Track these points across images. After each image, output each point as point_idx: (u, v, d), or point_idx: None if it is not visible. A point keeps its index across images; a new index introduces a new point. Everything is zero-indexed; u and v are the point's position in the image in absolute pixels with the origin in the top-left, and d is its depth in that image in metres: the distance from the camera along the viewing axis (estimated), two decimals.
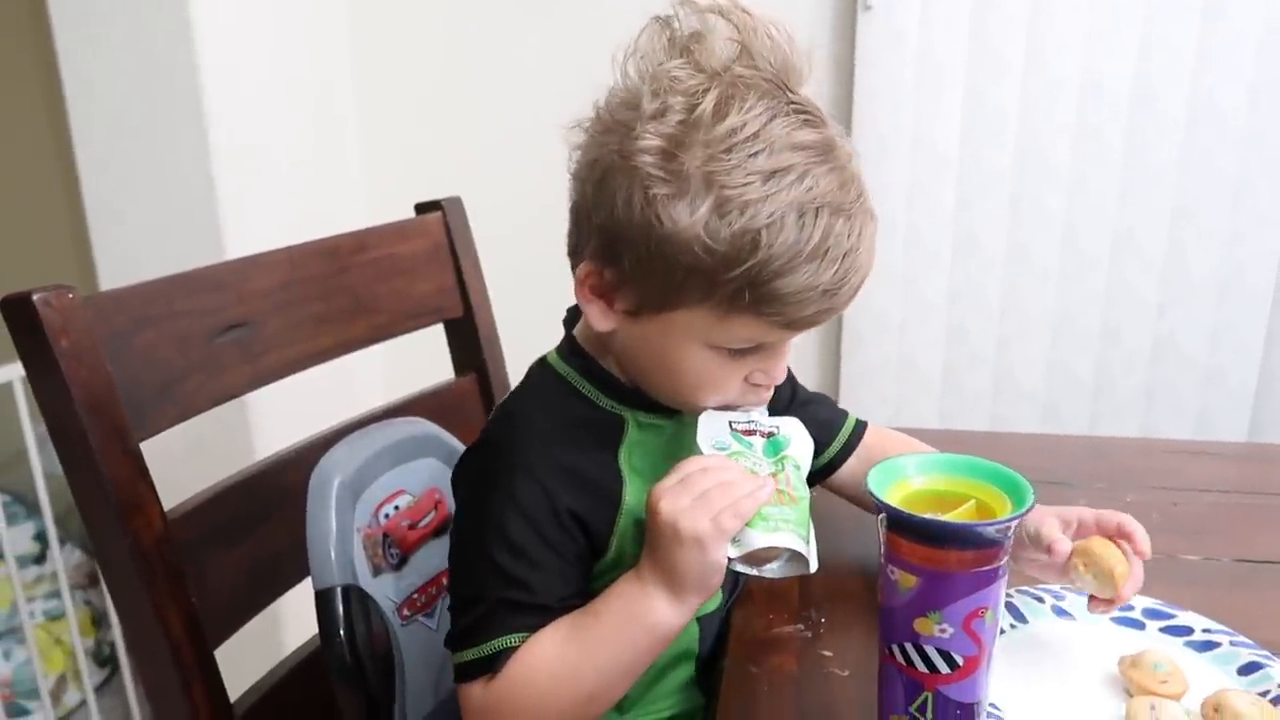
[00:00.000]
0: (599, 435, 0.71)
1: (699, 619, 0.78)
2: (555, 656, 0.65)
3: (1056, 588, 0.81)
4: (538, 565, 0.67)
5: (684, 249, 0.60)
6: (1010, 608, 0.78)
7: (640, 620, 0.64)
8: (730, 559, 0.63)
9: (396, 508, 0.85)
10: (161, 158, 1.41)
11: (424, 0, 1.76)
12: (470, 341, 1.12)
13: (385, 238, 1.03)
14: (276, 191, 1.54)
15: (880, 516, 0.59)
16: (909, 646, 0.59)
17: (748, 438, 0.68)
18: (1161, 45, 1.64)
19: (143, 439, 0.75)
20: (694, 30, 0.63)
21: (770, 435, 0.69)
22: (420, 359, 1.17)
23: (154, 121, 1.39)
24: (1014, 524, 0.57)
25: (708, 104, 0.61)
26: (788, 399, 0.84)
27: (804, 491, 0.66)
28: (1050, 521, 0.75)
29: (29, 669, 1.70)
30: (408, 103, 1.81)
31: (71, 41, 1.37)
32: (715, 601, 0.79)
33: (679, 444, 0.72)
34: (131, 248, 1.45)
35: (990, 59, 1.66)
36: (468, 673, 0.67)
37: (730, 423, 0.68)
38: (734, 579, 0.84)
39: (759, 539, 0.62)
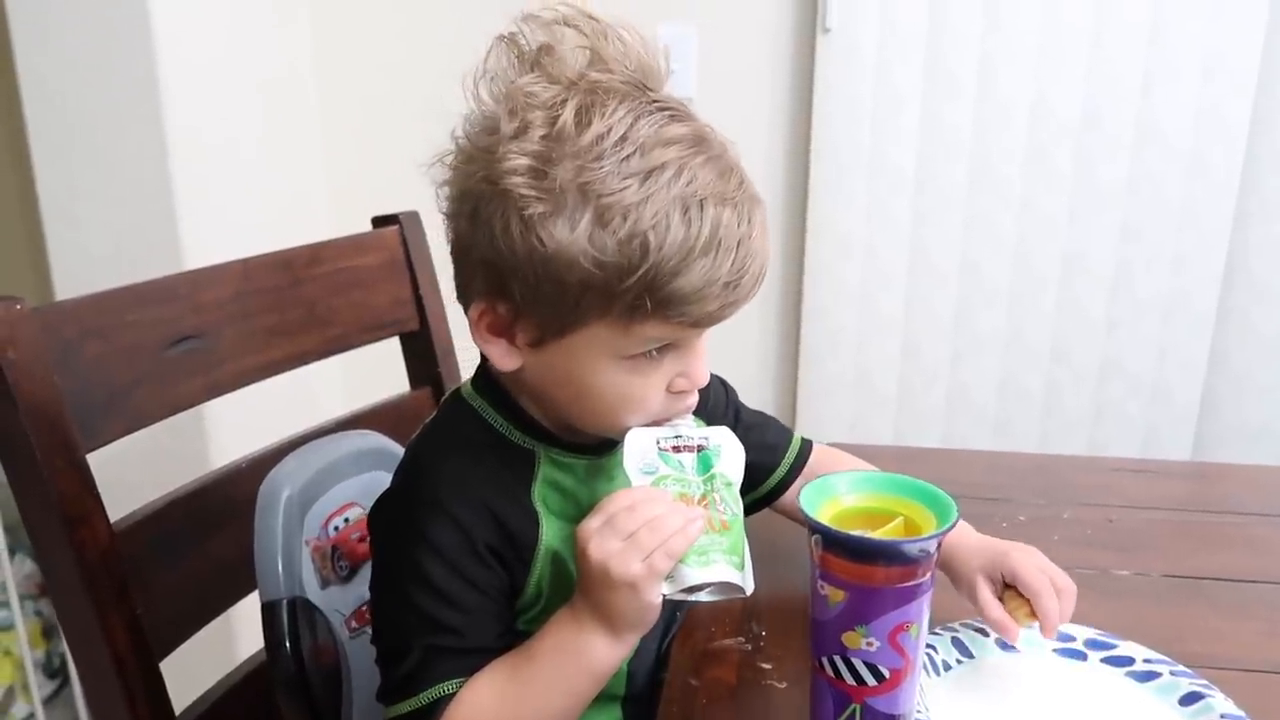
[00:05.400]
0: (513, 471, 0.69)
1: (628, 665, 0.77)
2: (494, 701, 0.64)
3: None
4: (464, 608, 0.65)
5: (572, 266, 0.59)
6: (957, 643, 0.78)
7: (578, 660, 0.63)
8: (665, 595, 0.61)
9: (346, 520, 0.85)
10: (120, 166, 1.40)
11: (387, 6, 1.76)
12: (426, 355, 1.13)
13: (341, 251, 1.04)
14: (237, 200, 1.54)
15: (811, 533, 0.61)
16: (838, 659, 0.61)
17: (676, 455, 0.65)
18: (1109, 71, 1.68)
19: (91, 450, 0.75)
20: (542, 43, 0.62)
21: (700, 449, 0.66)
22: (382, 371, 1.17)
23: (112, 129, 1.39)
24: (937, 541, 0.59)
25: (568, 114, 0.59)
26: (730, 424, 0.81)
27: (736, 509, 0.65)
28: (981, 590, 0.76)
29: None
30: (371, 113, 1.81)
31: (29, 45, 1.37)
32: (643, 641, 0.76)
33: (593, 484, 0.70)
34: (88, 257, 1.43)
35: (945, 81, 1.70)
36: None
37: (657, 440, 0.66)
38: (668, 620, 0.83)
39: (693, 575, 0.61)
